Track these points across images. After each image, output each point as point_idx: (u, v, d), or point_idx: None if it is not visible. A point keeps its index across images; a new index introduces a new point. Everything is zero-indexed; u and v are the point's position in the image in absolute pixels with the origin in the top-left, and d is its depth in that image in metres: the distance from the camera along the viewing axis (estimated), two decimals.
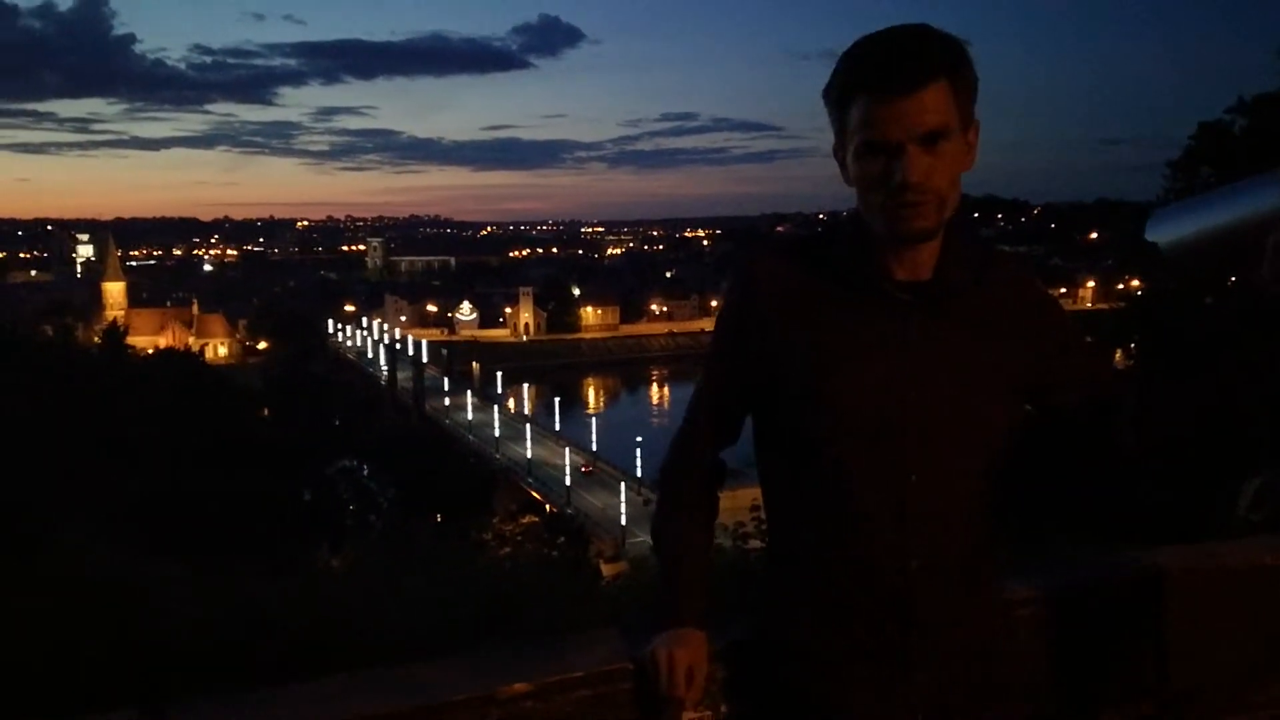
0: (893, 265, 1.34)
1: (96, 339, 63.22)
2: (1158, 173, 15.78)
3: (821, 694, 1.39)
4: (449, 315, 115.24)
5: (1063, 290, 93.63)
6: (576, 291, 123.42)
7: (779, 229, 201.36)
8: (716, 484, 1.57)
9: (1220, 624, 1.79)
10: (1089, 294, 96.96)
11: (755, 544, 5.60)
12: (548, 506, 45.90)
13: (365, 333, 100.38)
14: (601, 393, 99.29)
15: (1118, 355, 12.28)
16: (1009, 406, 1.37)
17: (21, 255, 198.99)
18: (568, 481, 47.73)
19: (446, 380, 76.22)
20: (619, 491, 43.22)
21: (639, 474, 49.04)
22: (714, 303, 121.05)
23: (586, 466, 56.31)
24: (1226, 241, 1.32)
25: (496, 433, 59.05)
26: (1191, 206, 1.39)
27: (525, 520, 34.49)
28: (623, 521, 40.66)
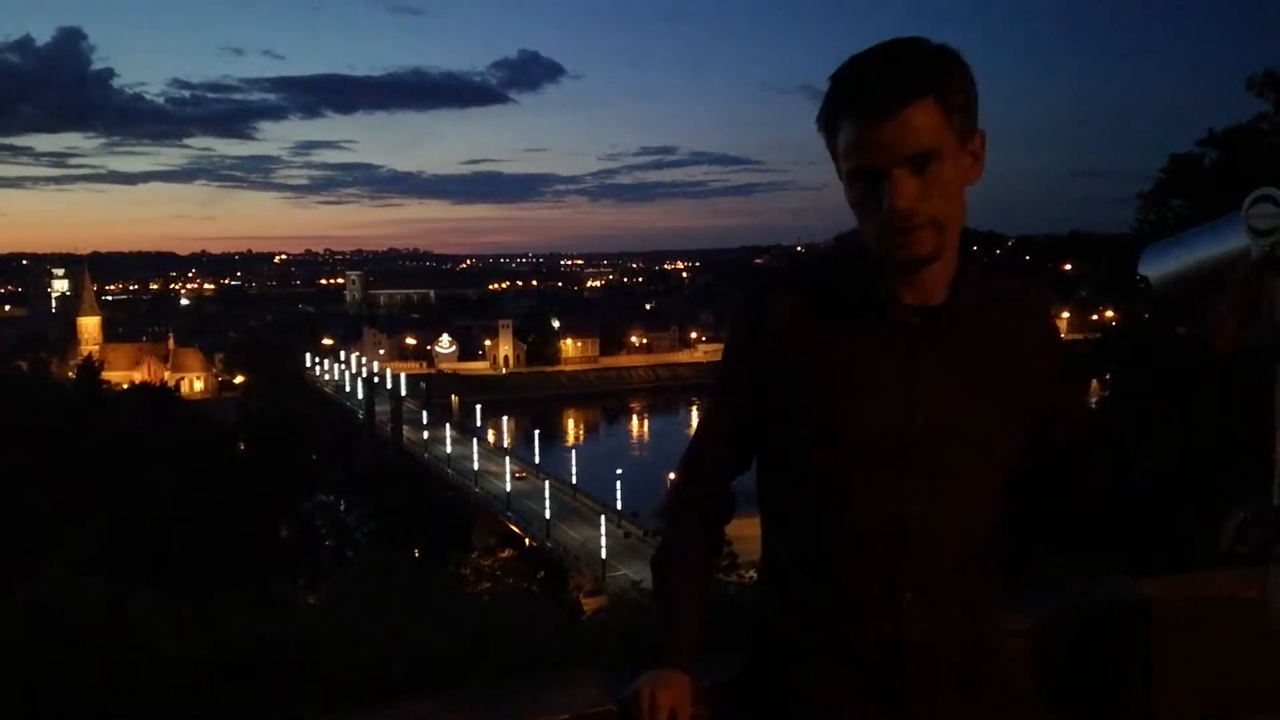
0: (900, 289, 1.30)
1: (71, 374, 62.59)
2: (1131, 205, 16.02)
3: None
4: (428, 348, 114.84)
5: None
6: (556, 324, 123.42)
7: (757, 261, 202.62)
8: (724, 520, 1.52)
9: (1205, 656, 1.79)
10: (1064, 325, 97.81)
11: (733, 578, 5.60)
12: (527, 540, 45.56)
13: (343, 366, 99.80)
14: (581, 425, 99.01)
15: (1093, 384, 12.38)
16: (1015, 436, 1.35)
17: None
18: (547, 515, 47.45)
19: (425, 413, 75.80)
20: (599, 525, 42.99)
21: (619, 506, 48.84)
22: (694, 334, 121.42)
23: (520, 473, 57.04)
24: (1207, 277, 1.35)
25: (475, 466, 58.71)
26: (1179, 243, 1.43)
27: (504, 554, 34.21)
28: (603, 555, 40.42)
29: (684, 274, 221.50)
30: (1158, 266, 1.43)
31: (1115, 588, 1.83)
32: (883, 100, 1.19)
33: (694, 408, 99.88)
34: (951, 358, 1.31)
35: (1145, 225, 15.07)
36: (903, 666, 1.32)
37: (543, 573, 30.03)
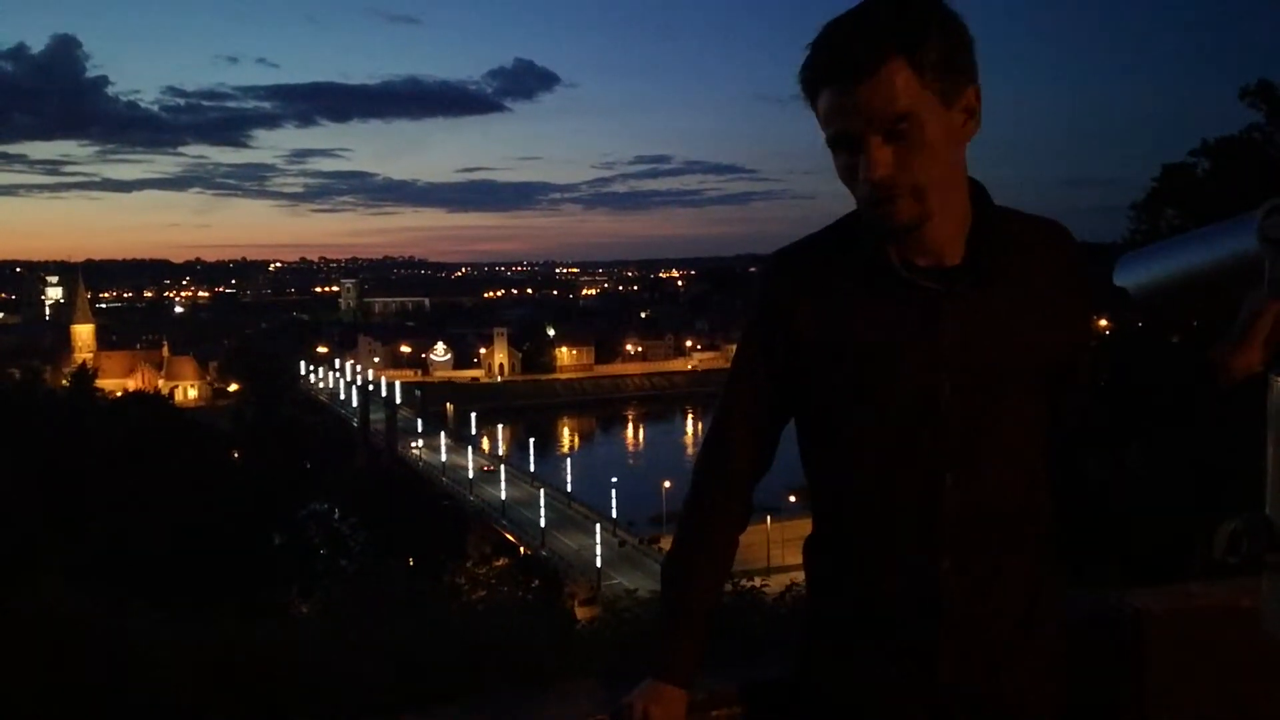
0: (912, 253, 1.26)
1: (65, 382, 62.35)
2: (1124, 214, 16.08)
3: (846, 691, 1.35)
4: (423, 356, 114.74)
5: None
6: (551, 332, 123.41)
7: (753, 269, 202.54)
8: (740, 525, 1.44)
9: (1198, 666, 1.79)
10: None
11: (729, 585, 5.59)
12: (521, 549, 45.48)
13: (338, 374, 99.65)
14: (576, 433, 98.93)
15: None
16: (1045, 393, 1.32)
17: None
18: (542, 523, 47.39)
19: (420, 421, 75.69)
20: (594, 533, 42.95)
21: (614, 515, 48.80)
22: (689, 343, 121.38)
23: (487, 466, 56.84)
24: (1195, 287, 1.33)
25: (470, 474, 58.62)
26: (1160, 251, 1.41)
27: (499, 563, 34.13)
28: (598, 564, 40.35)
29: (679, 282, 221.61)
30: (1136, 276, 1.41)
31: (1108, 597, 1.83)
32: (850, 64, 1.15)
33: (689, 416, 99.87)
34: (976, 317, 1.26)
35: (1138, 234, 15.13)
36: (940, 634, 1.29)
37: (538, 581, 30.04)
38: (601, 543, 41.77)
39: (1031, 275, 1.29)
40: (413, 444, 64.14)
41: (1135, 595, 1.81)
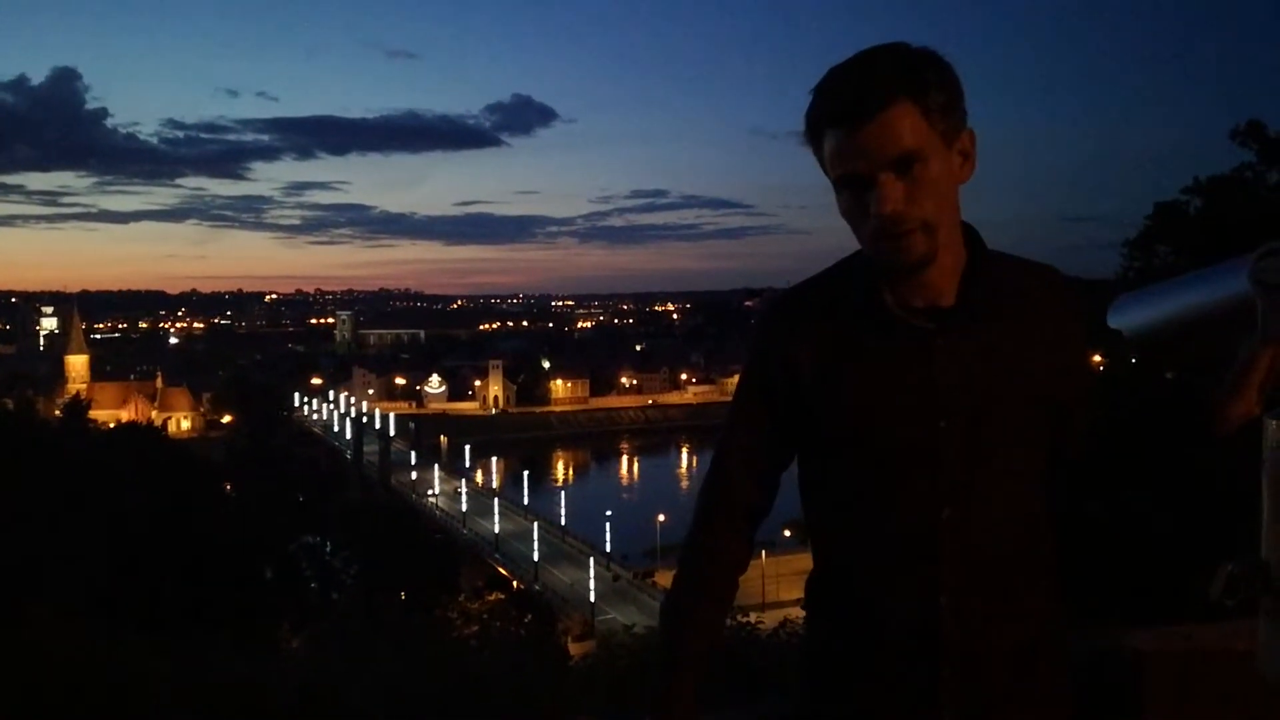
0: (908, 294, 1.29)
1: (58, 412, 62.15)
2: (1117, 250, 16.15)
3: None
4: (418, 388, 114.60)
5: None
6: (546, 364, 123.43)
7: (748, 303, 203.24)
8: (741, 566, 1.45)
9: (1196, 708, 1.78)
10: None
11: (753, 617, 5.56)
12: (515, 583, 45.14)
13: (332, 406, 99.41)
14: (571, 466, 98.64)
15: None
16: (1043, 433, 1.33)
17: None
18: (536, 556, 47.07)
19: (414, 454, 75.46)
20: (588, 567, 42.64)
21: (608, 549, 48.48)
22: (684, 375, 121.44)
23: (460, 488, 58.09)
24: (1189, 330, 1.34)
25: (464, 507, 58.33)
26: (1153, 294, 1.41)
27: (492, 597, 33.87)
28: (591, 599, 40.03)
29: (674, 315, 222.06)
30: (1129, 319, 1.42)
31: (1107, 637, 1.83)
32: (861, 105, 1.19)
33: (684, 449, 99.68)
34: (970, 356, 1.28)
35: (1130, 272, 15.19)
36: (941, 672, 1.29)
37: (530, 616, 29.80)
38: (595, 577, 41.45)
39: (1025, 317, 1.31)
40: (430, 493, 61.72)
41: (1134, 636, 1.80)
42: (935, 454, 1.28)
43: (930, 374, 1.27)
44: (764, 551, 40.77)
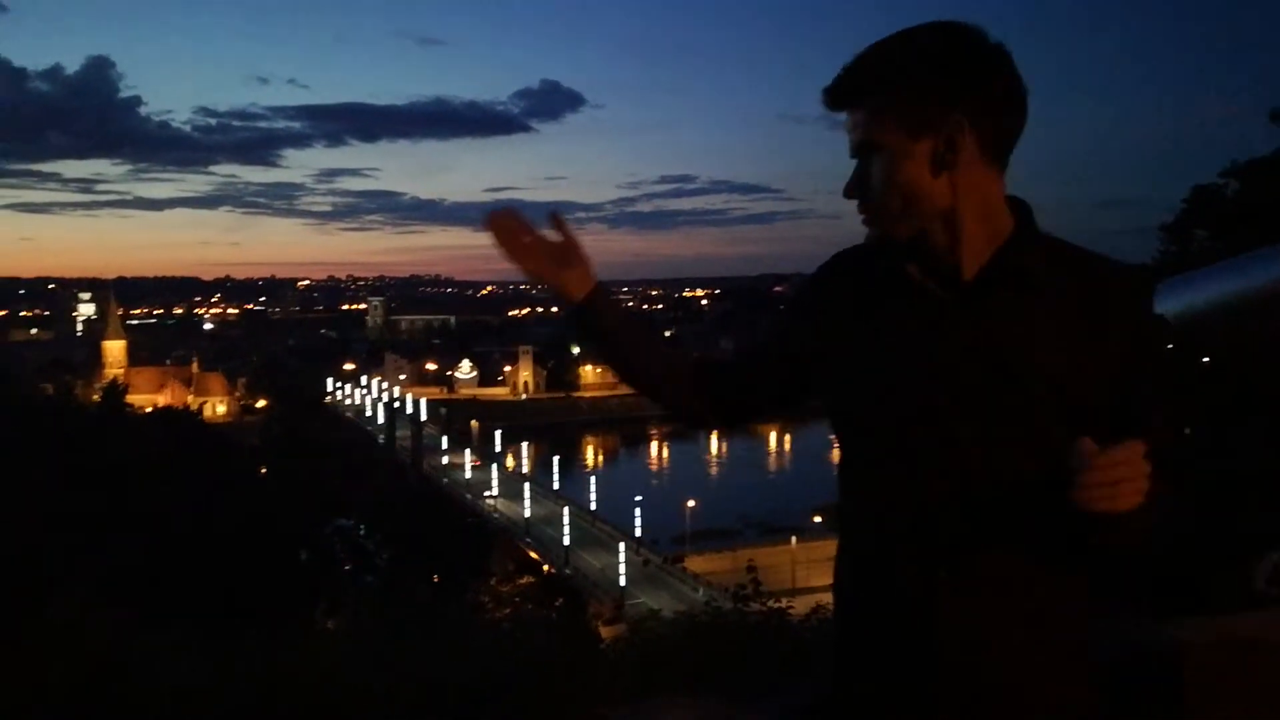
0: (929, 270, 1.30)
1: (96, 397, 63.16)
2: (1154, 235, 15.93)
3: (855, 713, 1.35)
4: (448, 374, 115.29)
5: None
6: (576, 350, 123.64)
7: (777, 289, 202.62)
8: (681, 377, 1.56)
9: (1237, 699, 1.76)
10: None
11: (755, 606, 5.52)
12: (545, 566, 45.42)
13: (364, 391, 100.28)
14: (601, 451, 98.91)
15: None
16: (1054, 421, 1.25)
17: (23, 313, 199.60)
18: (566, 541, 47.32)
19: (445, 438, 76.01)
20: (618, 552, 42.81)
21: (638, 534, 48.62)
22: None
23: (476, 462, 59.63)
24: (1231, 314, 1.32)
25: (494, 491, 58.69)
26: (1197, 280, 1.40)
27: (523, 581, 34.14)
28: (621, 583, 40.19)
29: (704, 301, 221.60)
30: (1172, 304, 1.40)
31: (1144, 630, 1.80)
32: (835, 92, 1.31)
33: (714, 435, 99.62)
34: (982, 335, 1.26)
35: (1167, 256, 14.97)
36: (938, 674, 1.28)
37: (561, 600, 29.98)
38: (625, 561, 41.60)
39: (1054, 303, 1.26)
40: (487, 494, 59.30)
41: (1176, 627, 1.77)
42: (935, 424, 1.27)
43: (935, 348, 1.28)
44: (794, 537, 40.76)
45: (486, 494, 58.79)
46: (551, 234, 1.56)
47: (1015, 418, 1.26)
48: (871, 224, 1.32)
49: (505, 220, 1.56)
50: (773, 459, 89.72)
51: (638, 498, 50.87)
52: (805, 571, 36.02)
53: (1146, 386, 1.28)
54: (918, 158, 1.26)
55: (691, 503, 53.84)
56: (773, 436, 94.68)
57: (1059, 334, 1.26)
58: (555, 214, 1.55)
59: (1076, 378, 1.26)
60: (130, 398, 63.84)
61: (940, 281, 1.29)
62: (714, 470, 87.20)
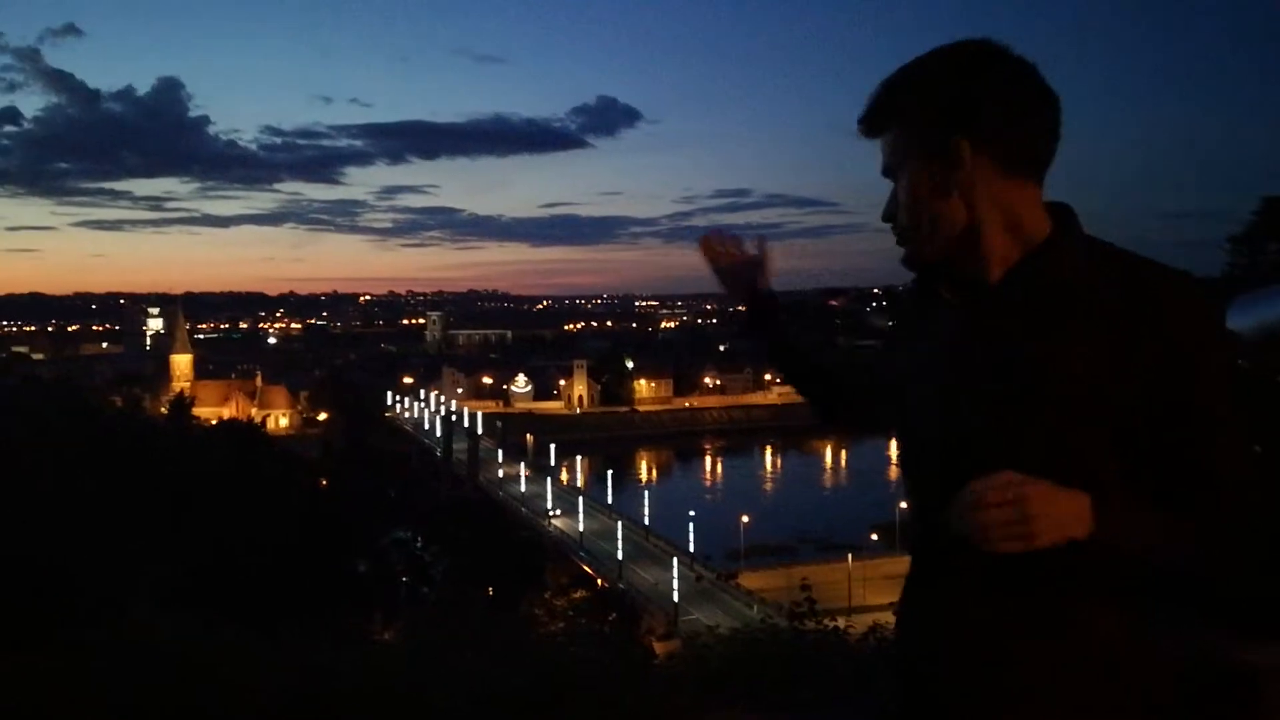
0: (960, 282, 1.34)
1: (163, 409, 64.81)
2: (1222, 247, 15.53)
3: None
4: (505, 387, 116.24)
5: None
6: (630, 364, 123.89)
7: (832, 303, 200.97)
8: (830, 387, 1.70)
9: None
10: None
11: (810, 625, 5.45)
12: (599, 581, 45.43)
13: (423, 404, 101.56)
14: (654, 466, 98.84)
15: None
16: (1084, 440, 1.18)
17: (94, 328, 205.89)
18: (620, 555, 47.31)
19: (501, 452, 76.63)
20: (671, 567, 42.67)
21: (691, 549, 48.43)
22: (768, 376, 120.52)
23: (527, 472, 58.56)
24: None
25: (549, 505, 58.95)
26: (1273, 294, 1.35)
27: (577, 594, 34.21)
28: (675, 598, 40.04)
29: None
30: (1249, 319, 1.35)
31: (1223, 651, 1.74)
32: (861, 125, 1.36)
33: (768, 450, 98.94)
34: (995, 346, 1.24)
35: (1236, 269, 14.58)
36: (940, 690, 1.28)
37: (614, 614, 29.95)
38: (678, 577, 41.45)
39: (1090, 312, 1.20)
40: (550, 512, 57.52)
41: (1250, 649, 1.71)
42: (934, 447, 1.29)
43: (961, 357, 1.28)
44: (850, 555, 40.27)
45: (551, 514, 57.60)
46: (749, 247, 1.77)
47: (1033, 433, 1.20)
48: (903, 245, 1.35)
49: (714, 240, 1.76)
50: (829, 475, 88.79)
51: (691, 513, 50.65)
52: (861, 590, 35.55)
53: (1202, 404, 1.18)
54: (929, 180, 1.30)
55: (745, 518, 53.49)
56: (829, 452, 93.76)
57: (1089, 343, 1.19)
58: (761, 239, 1.77)
59: (1108, 390, 1.18)
60: (196, 410, 65.38)
61: (969, 297, 1.31)
62: (769, 486, 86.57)
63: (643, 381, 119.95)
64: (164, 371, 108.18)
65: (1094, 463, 1.19)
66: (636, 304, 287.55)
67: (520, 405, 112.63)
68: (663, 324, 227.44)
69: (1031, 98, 1.26)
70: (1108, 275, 1.22)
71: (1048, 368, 1.20)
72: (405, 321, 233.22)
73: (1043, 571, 1.20)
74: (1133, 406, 1.18)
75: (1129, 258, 1.25)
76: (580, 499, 58.09)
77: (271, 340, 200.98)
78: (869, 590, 34.22)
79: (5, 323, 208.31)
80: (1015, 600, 1.23)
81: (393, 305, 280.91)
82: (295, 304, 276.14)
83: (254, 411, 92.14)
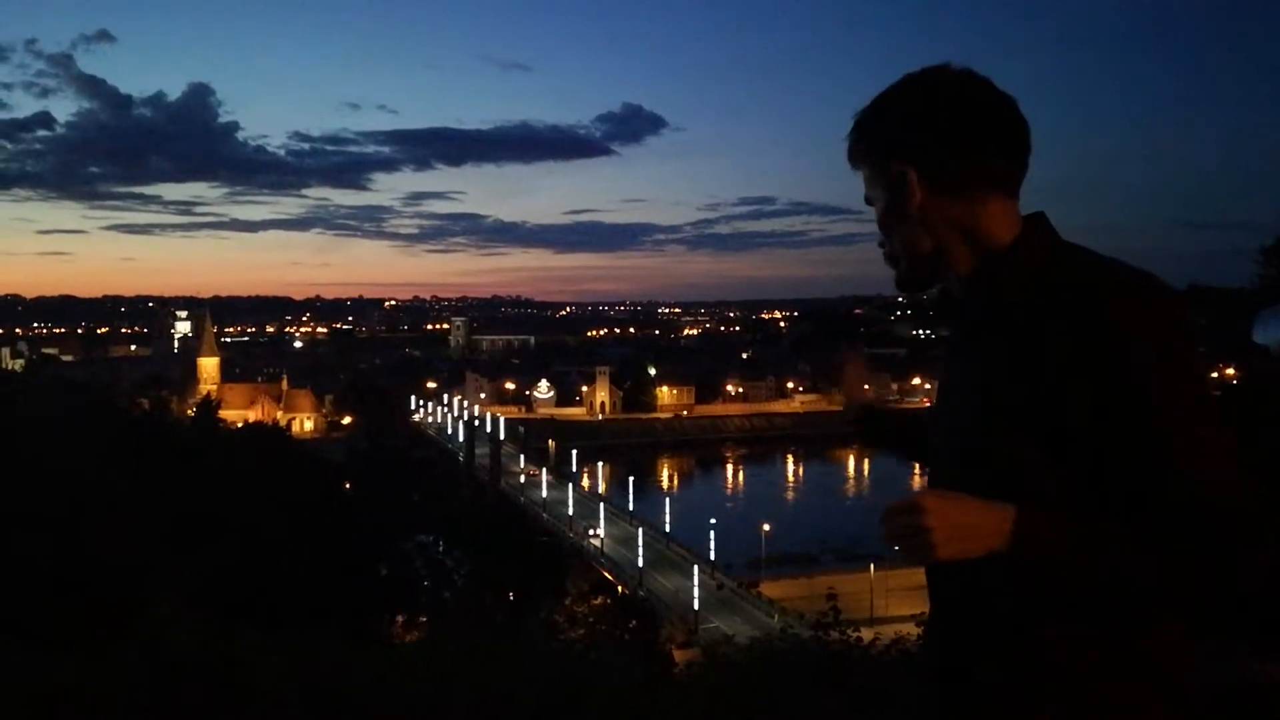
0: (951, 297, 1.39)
1: (190, 411, 65.41)
2: (1250, 258, 15.35)
3: None
4: (527, 393, 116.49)
5: None
6: (653, 371, 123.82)
7: (857, 311, 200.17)
8: None
9: None
10: None
11: (834, 635, 5.42)
12: (619, 587, 45.37)
13: (446, 409, 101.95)
14: (676, 473, 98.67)
15: None
16: (1051, 456, 1.15)
17: (123, 330, 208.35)
18: (640, 562, 47.26)
19: (523, 457, 76.65)
20: (692, 575, 42.57)
21: (712, 557, 48.27)
22: (791, 384, 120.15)
23: (532, 472, 58.84)
24: None
25: (570, 511, 58.99)
26: None
27: (597, 601, 34.15)
28: (695, 606, 39.93)
29: (782, 323, 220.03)
30: (1277, 333, 1.34)
31: (1246, 665, 1.72)
32: (850, 161, 1.42)
33: (790, 459, 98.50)
34: (971, 360, 1.30)
35: (1266, 280, 14.40)
36: (949, 697, 1.30)
37: (634, 621, 29.88)
38: (699, 585, 41.32)
39: (1021, 325, 1.21)
40: (591, 533, 54.06)
41: (1272, 668, 1.69)
42: (937, 463, 1.34)
43: (944, 373, 1.37)
44: (872, 565, 39.99)
45: (591, 533, 54.13)
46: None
47: (979, 445, 1.23)
48: (891, 269, 1.40)
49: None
50: (851, 484, 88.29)
51: (712, 521, 50.51)
52: (884, 600, 35.31)
53: (1146, 401, 1.11)
54: (894, 209, 1.35)
55: (767, 527, 53.29)
56: (851, 461, 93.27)
57: (1024, 351, 1.18)
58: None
59: (1042, 394, 1.16)
60: (223, 413, 65.95)
61: (952, 313, 1.37)
62: (790, 494, 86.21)
63: (665, 388, 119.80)
64: (191, 374, 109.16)
65: (1033, 472, 1.17)
66: (659, 311, 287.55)
67: (542, 411, 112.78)
68: (685, 331, 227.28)
69: (979, 121, 1.28)
70: (1058, 277, 1.20)
71: (987, 376, 1.24)
72: (429, 327, 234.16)
73: (1002, 584, 1.17)
74: (1075, 409, 1.14)
75: (1086, 258, 1.23)
76: (601, 505, 58.04)
77: (297, 344, 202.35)
78: (891, 601, 33.98)
79: (37, 324, 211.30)
80: (995, 624, 1.23)
81: (417, 310, 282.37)
82: (321, 308, 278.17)
83: (279, 415, 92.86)
